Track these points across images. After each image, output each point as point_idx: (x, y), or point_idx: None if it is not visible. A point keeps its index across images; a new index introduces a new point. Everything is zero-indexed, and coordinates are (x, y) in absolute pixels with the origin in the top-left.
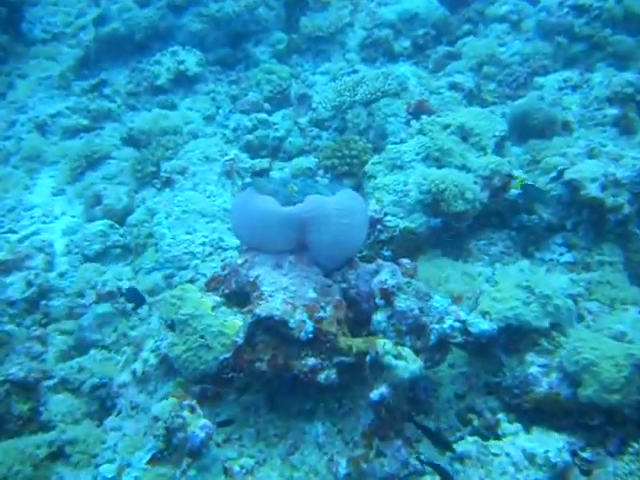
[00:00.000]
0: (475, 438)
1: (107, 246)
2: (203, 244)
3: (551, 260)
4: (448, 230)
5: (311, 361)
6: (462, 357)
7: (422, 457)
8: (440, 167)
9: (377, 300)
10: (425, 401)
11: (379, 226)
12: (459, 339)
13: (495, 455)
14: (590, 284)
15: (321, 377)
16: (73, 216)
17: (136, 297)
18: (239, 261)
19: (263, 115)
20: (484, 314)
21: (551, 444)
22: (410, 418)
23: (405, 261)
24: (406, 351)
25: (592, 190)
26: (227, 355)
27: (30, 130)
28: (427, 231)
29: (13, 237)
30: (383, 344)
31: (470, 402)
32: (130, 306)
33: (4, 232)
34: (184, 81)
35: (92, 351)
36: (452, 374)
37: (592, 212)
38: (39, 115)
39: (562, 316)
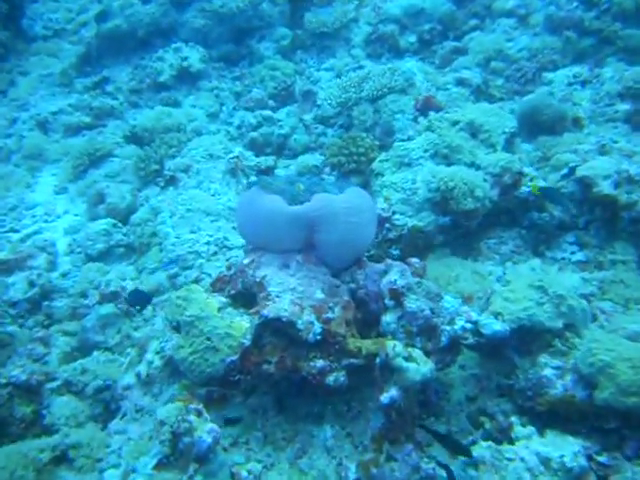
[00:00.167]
0: (489, 443)
1: (110, 245)
2: (208, 243)
3: (562, 259)
4: (457, 228)
5: (319, 363)
6: (473, 358)
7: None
8: (449, 164)
9: (386, 301)
10: (436, 404)
11: (387, 225)
12: (470, 340)
13: (509, 460)
14: (603, 283)
15: (330, 379)
16: (76, 215)
17: (141, 298)
18: (245, 261)
19: (267, 112)
20: (496, 315)
21: (566, 448)
22: (420, 424)
23: (414, 260)
24: (417, 353)
25: (605, 187)
26: (234, 357)
27: (32, 128)
28: (436, 230)
29: (15, 236)
30: (393, 346)
31: (482, 404)
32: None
33: (6, 231)
34: (187, 78)
35: (95, 353)
36: (463, 376)
37: (605, 210)
38: (41, 113)
39: (576, 317)
